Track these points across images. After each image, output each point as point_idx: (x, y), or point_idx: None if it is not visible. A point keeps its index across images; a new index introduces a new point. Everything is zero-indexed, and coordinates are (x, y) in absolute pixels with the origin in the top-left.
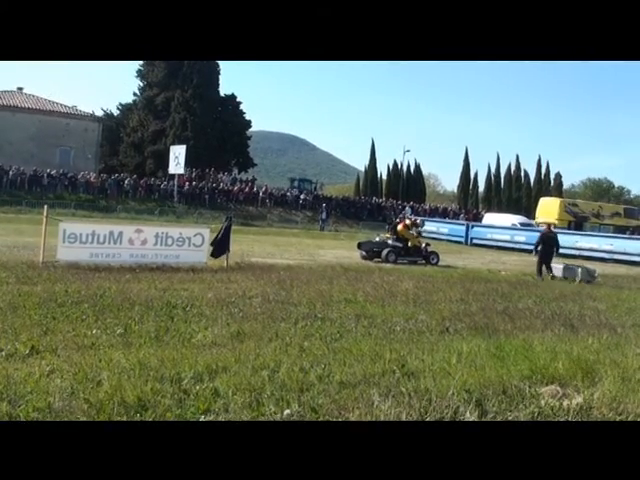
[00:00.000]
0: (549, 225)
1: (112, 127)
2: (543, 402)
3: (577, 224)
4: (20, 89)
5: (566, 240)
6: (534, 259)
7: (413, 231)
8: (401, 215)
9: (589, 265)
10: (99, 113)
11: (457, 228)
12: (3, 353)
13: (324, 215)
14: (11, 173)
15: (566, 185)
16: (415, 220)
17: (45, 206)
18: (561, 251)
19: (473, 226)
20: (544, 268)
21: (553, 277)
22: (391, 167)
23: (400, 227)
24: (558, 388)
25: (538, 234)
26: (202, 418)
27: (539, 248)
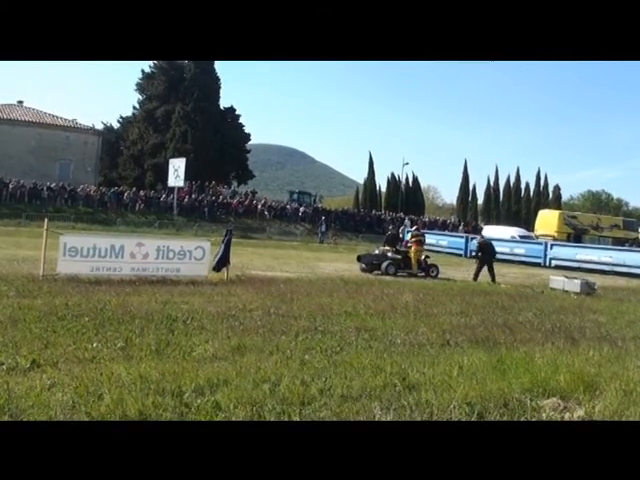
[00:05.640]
0: (482, 235)
1: (112, 140)
2: (544, 415)
3: (576, 236)
4: (20, 102)
5: (565, 252)
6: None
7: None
8: (402, 227)
9: (589, 277)
10: (99, 126)
11: (456, 240)
12: (4, 367)
13: (323, 228)
14: (11, 186)
15: (565, 197)
16: (420, 233)
17: (45, 219)
18: (561, 263)
19: (472, 238)
20: (481, 273)
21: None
22: (390, 180)
23: (414, 248)
24: (559, 401)
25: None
26: None
27: (479, 255)
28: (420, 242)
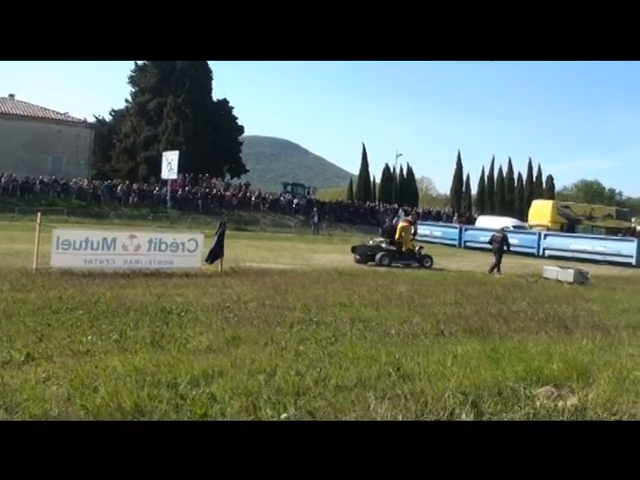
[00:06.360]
0: (502, 229)
1: (104, 133)
2: (538, 403)
3: (570, 226)
4: (11, 96)
5: (559, 242)
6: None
7: (412, 228)
8: (395, 219)
9: (582, 267)
10: (91, 119)
11: (450, 231)
12: None
13: (316, 219)
14: (3, 180)
15: (558, 187)
16: (413, 217)
17: (38, 213)
18: (555, 253)
19: (466, 229)
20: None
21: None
22: (384, 171)
23: (403, 224)
24: (553, 389)
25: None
26: None
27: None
28: (408, 222)
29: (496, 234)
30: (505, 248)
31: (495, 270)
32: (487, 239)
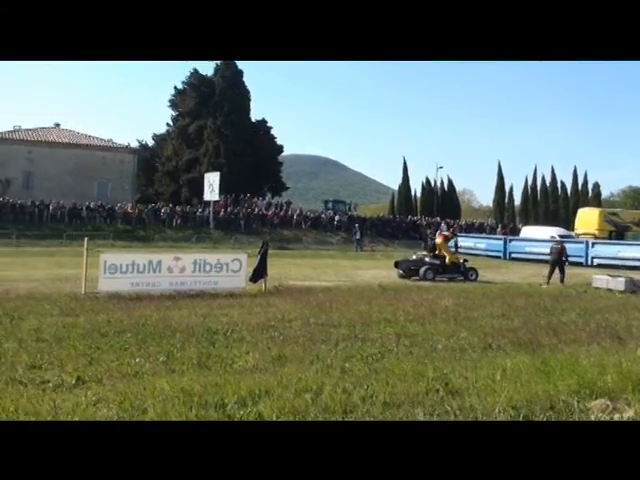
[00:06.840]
0: (556, 240)
1: (147, 157)
2: (593, 417)
3: (618, 233)
4: (57, 125)
5: (608, 250)
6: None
7: (449, 242)
8: (438, 232)
9: (633, 275)
10: (134, 144)
11: (494, 243)
12: (50, 384)
13: (358, 235)
14: (51, 207)
15: (605, 194)
16: (453, 230)
17: (85, 238)
18: (604, 262)
19: (511, 240)
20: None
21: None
22: (424, 184)
23: (439, 240)
24: (608, 402)
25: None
26: None
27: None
28: (444, 237)
29: (554, 245)
30: (564, 259)
31: (544, 281)
32: (532, 250)
